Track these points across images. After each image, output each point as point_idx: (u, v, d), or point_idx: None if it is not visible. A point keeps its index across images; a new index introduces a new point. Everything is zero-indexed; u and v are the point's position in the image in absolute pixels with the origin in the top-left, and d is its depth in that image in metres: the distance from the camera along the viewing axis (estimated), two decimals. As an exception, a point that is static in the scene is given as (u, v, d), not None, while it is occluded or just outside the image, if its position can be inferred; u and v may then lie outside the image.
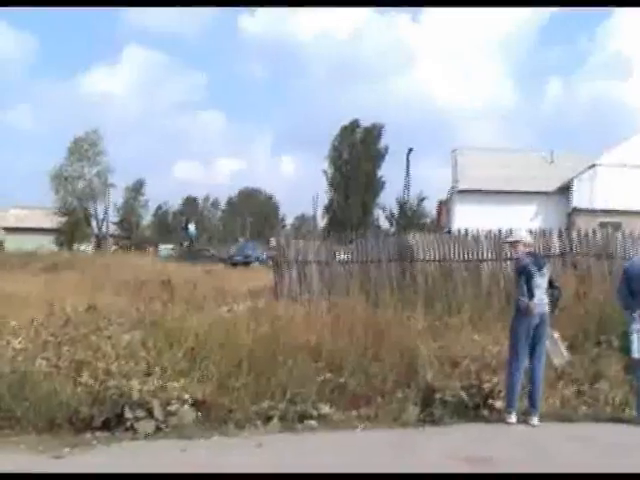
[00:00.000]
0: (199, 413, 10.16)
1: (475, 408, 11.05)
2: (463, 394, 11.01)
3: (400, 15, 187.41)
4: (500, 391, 11.09)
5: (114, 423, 9.78)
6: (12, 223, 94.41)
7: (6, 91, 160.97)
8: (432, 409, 10.89)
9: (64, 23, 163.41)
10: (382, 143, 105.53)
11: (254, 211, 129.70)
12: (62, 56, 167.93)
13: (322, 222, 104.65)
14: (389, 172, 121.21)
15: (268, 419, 10.38)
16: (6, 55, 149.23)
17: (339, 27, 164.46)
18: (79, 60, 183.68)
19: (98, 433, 9.69)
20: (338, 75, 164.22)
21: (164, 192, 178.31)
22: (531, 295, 10.67)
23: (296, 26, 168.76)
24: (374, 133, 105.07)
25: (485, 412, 11.04)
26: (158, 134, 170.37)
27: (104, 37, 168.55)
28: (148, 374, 10.31)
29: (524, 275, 10.80)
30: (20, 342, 11.01)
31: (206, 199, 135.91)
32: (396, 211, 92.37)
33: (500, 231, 18.58)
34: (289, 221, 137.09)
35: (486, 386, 11.13)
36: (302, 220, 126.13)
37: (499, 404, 11.04)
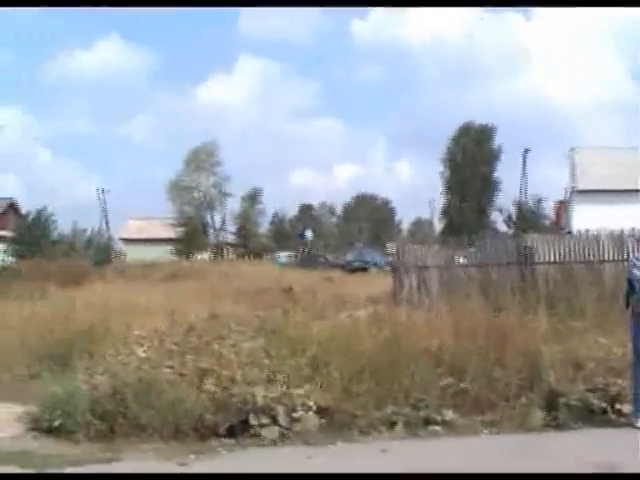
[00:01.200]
0: (323, 419, 10.15)
1: (601, 412, 10.78)
2: (590, 398, 10.76)
3: (513, 14, 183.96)
4: (627, 395, 10.82)
5: (239, 430, 9.86)
6: (131, 234, 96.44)
7: (125, 104, 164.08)
8: (557, 413, 10.67)
9: (181, 36, 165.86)
10: (496, 144, 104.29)
11: (370, 216, 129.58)
12: (179, 68, 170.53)
13: (438, 226, 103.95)
14: (504, 174, 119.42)
15: (392, 425, 10.30)
16: (125, 69, 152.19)
17: (451, 28, 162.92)
18: (195, 71, 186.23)
19: (223, 440, 9.77)
20: (452, 77, 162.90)
21: (280, 200, 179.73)
22: None
23: (408, 29, 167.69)
24: (488, 134, 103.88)
25: (612, 416, 10.76)
26: (274, 142, 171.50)
27: (219, 48, 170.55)
28: (271, 381, 10.38)
29: None
30: (145, 351, 11.20)
31: (322, 206, 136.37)
32: (514, 213, 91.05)
33: (622, 231, 18.17)
34: (405, 226, 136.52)
35: (613, 389, 10.85)
36: (418, 224, 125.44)
37: (627, 408, 10.76)
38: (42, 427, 10.23)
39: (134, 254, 76.31)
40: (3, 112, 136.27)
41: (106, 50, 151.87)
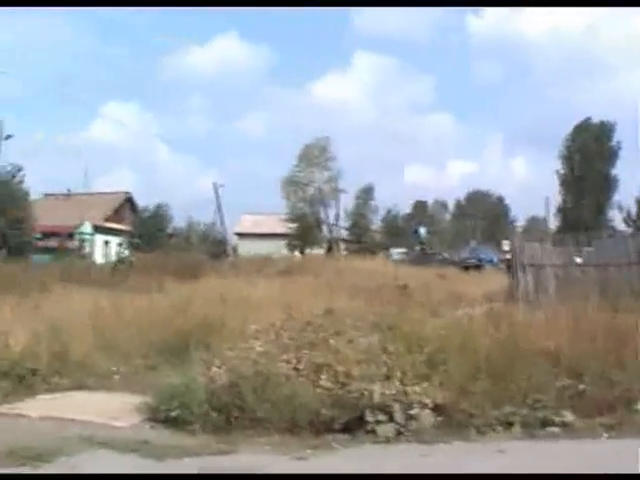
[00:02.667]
0: (439, 418, 10.07)
1: None
2: None
3: (637, 8, 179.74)
4: None
5: (354, 426, 9.84)
6: (245, 229, 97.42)
7: (241, 100, 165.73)
8: (680, 419, 10.38)
9: (296, 33, 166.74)
10: (615, 141, 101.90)
11: (484, 214, 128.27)
12: (294, 65, 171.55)
13: (554, 224, 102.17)
14: (624, 171, 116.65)
15: (509, 425, 10.15)
16: (242, 66, 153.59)
17: (571, 23, 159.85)
18: (311, 68, 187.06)
19: (339, 435, 9.76)
20: (570, 72, 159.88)
21: (394, 196, 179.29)
22: None
23: (525, 24, 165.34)
24: (607, 131, 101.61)
25: None
26: (388, 138, 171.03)
27: (334, 44, 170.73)
28: (388, 378, 10.33)
29: None
30: (261, 345, 11.27)
31: (436, 202, 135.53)
32: (634, 211, 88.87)
33: None
34: (519, 223, 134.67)
35: None
36: (533, 222, 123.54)
37: None
38: (159, 418, 10.41)
39: (248, 249, 77.13)
40: (121, 108, 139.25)
41: (223, 47, 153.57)
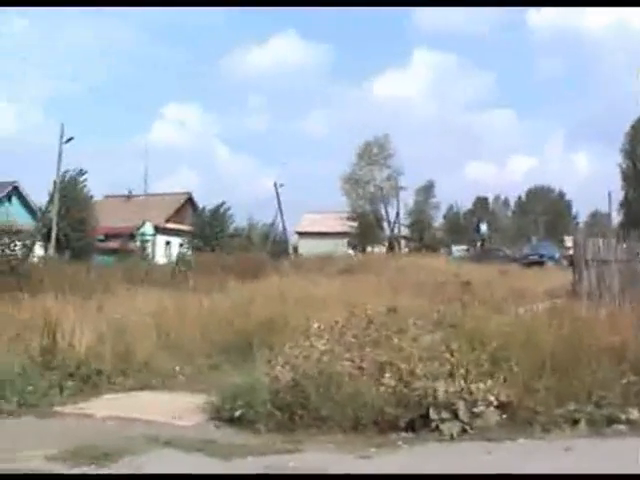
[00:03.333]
0: (504, 415, 10.00)
1: None
2: None
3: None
4: None
5: (419, 424, 9.80)
6: (305, 228, 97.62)
7: (301, 99, 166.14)
8: None
9: (356, 30, 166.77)
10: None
11: (546, 209, 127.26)
12: (354, 63, 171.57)
13: (617, 219, 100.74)
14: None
15: (574, 422, 10.02)
16: (301, 65, 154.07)
17: (635, 16, 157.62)
18: (371, 66, 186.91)
19: (403, 434, 9.73)
20: (632, 65, 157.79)
21: (455, 193, 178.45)
22: None
23: (586, 17, 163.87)
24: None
25: None
26: (448, 135, 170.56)
27: (394, 42, 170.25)
28: (451, 375, 10.27)
29: None
30: (324, 344, 11.25)
31: (496, 198, 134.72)
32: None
33: None
34: (582, 219, 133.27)
35: None
36: (595, 218, 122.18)
37: None
38: (224, 417, 10.46)
39: (309, 247, 77.30)
40: (183, 110, 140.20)
41: (282, 46, 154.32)
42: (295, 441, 9.40)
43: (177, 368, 14.02)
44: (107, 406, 11.53)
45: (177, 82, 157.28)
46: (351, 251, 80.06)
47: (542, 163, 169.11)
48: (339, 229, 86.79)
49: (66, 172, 59.15)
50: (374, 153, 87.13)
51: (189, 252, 53.78)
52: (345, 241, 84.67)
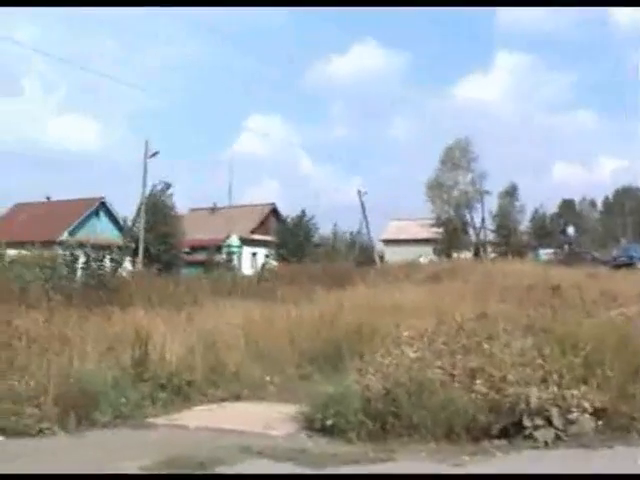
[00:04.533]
0: (599, 422, 9.81)
1: None
2: None
3: None
4: None
5: (512, 431, 9.67)
6: (391, 235, 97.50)
7: (381, 106, 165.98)
8: None
9: (436, 35, 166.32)
10: None
11: (633, 210, 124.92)
12: (435, 68, 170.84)
13: None
14: None
15: (673, 428, 9.83)
16: (381, 71, 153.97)
17: None
18: (451, 70, 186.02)
19: (496, 441, 9.61)
20: None
21: (540, 195, 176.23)
22: None
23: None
24: None
25: None
26: (531, 137, 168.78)
27: (475, 45, 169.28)
28: (544, 381, 10.12)
29: None
30: (415, 351, 11.19)
31: (583, 200, 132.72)
32: None
33: None
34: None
35: None
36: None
37: None
38: (315, 426, 10.45)
39: (394, 255, 77.13)
40: (265, 121, 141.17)
41: (362, 55, 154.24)
42: (388, 450, 9.37)
43: (267, 378, 14.08)
44: (199, 417, 11.63)
45: (260, 94, 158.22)
46: (435, 257, 79.55)
47: (630, 163, 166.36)
48: (424, 236, 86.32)
49: (152, 187, 59.95)
50: (456, 157, 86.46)
51: (274, 262, 53.94)
52: (430, 248, 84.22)
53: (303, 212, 74.69)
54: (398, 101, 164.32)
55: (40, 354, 12.23)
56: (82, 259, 26.87)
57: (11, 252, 27.29)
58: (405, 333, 12.19)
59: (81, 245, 29.37)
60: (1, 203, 79.10)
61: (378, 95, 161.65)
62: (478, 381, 10.21)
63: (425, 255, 74.24)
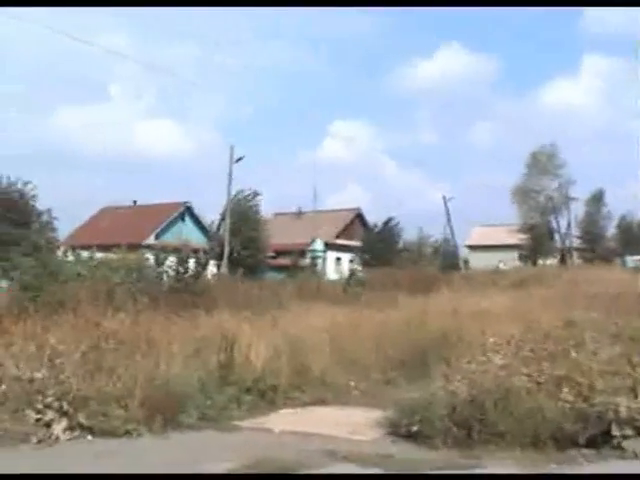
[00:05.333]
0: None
1: None
2: None
3: None
4: None
5: (600, 441, 9.53)
6: (475, 241, 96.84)
7: (466, 111, 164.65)
8: None
9: (521, 40, 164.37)
10: None
11: None
12: (520, 72, 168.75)
13: None
14: None
15: None
16: (466, 76, 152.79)
17: None
18: (537, 74, 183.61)
19: (583, 450, 9.48)
20: None
21: (628, 201, 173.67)
22: None
23: None
24: None
25: None
26: (619, 142, 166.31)
27: (561, 49, 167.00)
28: (633, 390, 9.95)
29: None
30: (501, 358, 11.10)
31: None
32: None
33: None
34: None
35: None
36: None
37: None
38: (400, 432, 10.44)
39: (479, 261, 76.60)
40: (349, 126, 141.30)
41: (446, 58, 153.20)
42: (474, 457, 9.32)
43: (352, 383, 14.12)
44: (284, 421, 11.69)
45: (344, 99, 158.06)
46: (520, 263, 78.76)
47: None
48: (510, 242, 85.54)
49: (238, 192, 60.36)
50: (542, 163, 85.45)
51: (359, 268, 53.89)
52: (516, 254, 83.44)
53: (389, 218, 74.73)
54: (483, 105, 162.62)
55: (127, 356, 12.37)
56: (168, 262, 27.13)
57: (98, 255, 27.68)
58: (491, 339, 12.09)
59: (166, 249, 29.68)
60: (88, 207, 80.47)
61: (463, 99, 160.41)
62: (565, 389, 10.08)
63: (505, 262, 73.59)
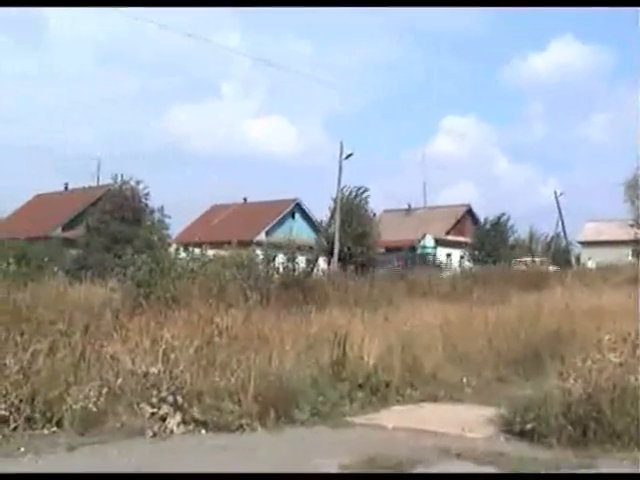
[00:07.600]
0: None
1: None
2: None
3: None
4: None
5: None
6: (588, 237, 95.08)
7: (580, 104, 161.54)
8: None
9: (636, 30, 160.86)
10: None
11: None
12: (632, 63, 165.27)
13: None
14: None
15: None
16: (580, 68, 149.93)
17: None
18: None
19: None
20: None
21: None
22: None
23: None
24: None
25: None
26: None
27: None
28: None
29: None
30: (618, 356, 10.88)
31: None
32: None
33: None
34: None
35: None
36: None
37: None
38: (514, 430, 10.35)
39: (592, 256, 75.27)
40: (460, 121, 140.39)
41: (561, 51, 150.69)
42: (589, 456, 9.17)
43: (464, 380, 14.02)
44: (396, 417, 11.70)
45: (455, 94, 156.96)
46: (634, 259, 77.03)
47: None
48: (624, 237, 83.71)
49: (347, 188, 60.37)
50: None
51: (470, 264, 53.52)
52: (629, 250, 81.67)
53: (502, 214, 73.95)
54: (597, 98, 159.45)
55: (240, 352, 12.50)
56: (279, 259, 27.36)
57: (209, 252, 28.04)
58: (607, 337, 11.84)
59: (277, 245, 29.93)
60: (199, 204, 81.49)
61: (576, 92, 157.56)
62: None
63: (625, 257, 72.02)
